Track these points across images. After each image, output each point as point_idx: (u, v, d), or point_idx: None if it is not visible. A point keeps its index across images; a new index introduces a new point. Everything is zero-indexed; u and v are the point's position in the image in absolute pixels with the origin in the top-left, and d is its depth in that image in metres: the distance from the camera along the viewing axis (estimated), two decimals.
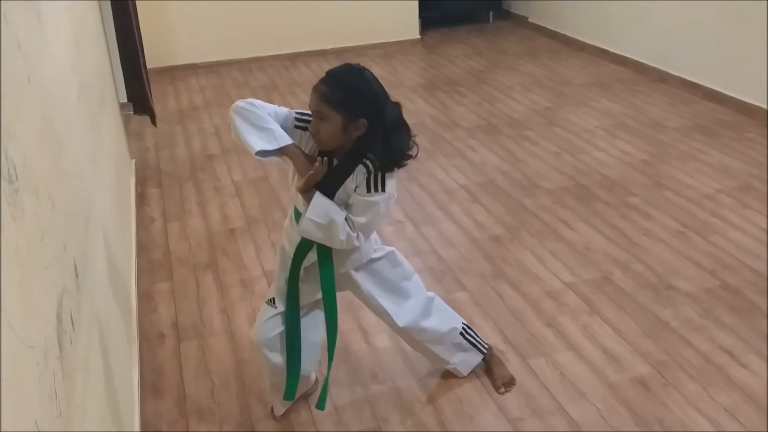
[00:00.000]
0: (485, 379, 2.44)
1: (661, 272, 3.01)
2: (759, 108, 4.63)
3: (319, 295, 2.11)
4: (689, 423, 2.22)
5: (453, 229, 3.45)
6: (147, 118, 4.63)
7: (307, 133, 1.96)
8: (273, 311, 2.14)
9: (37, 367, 1.11)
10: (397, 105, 1.92)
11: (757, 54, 4.61)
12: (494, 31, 7.30)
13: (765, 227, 3.33)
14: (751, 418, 2.23)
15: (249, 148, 1.85)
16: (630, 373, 2.45)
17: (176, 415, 2.36)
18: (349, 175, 1.91)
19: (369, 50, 6.75)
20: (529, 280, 3.00)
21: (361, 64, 1.98)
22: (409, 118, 1.94)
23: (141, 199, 3.90)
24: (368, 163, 1.89)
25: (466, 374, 2.43)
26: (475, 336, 2.41)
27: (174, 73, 6.30)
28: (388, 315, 2.21)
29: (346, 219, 1.91)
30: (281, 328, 2.14)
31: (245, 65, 6.47)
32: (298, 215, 1.98)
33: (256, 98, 1.98)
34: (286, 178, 4.12)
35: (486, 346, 2.44)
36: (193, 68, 6.42)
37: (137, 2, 4.56)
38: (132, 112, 4.61)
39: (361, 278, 2.14)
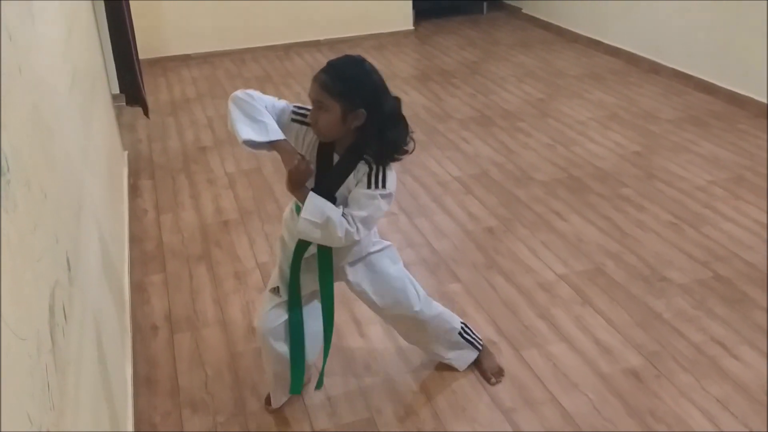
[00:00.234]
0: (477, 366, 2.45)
1: (654, 264, 3.02)
2: (750, 99, 4.64)
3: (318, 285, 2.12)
4: (681, 414, 2.23)
5: (446, 221, 3.45)
6: (139, 110, 4.61)
7: (305, 126, 1.96)
8: (277, 300, 2.14)
9: (30, 360, 1.11)
10: (397, 99, 1.92)
11: (749, 45, 4.62)
12: (488, 22, 7.29)
13: (757, 218, 3.34)
14: (743, 409, 2.24)
15: (237, 137, 1.87)
16: (622, 364, 2.46)
17: (170, 406, 2.36)
18: (350, 172, 1.92)
19: (363, 41, 6.73)
20: (522, 272, 3.00)
21: (359, 51, 1.99)
22: (403, 109, 1.93)
23: (133, 190, 3.88)
24: (369, 159, 1.90)
25: (462, 369, 2.44)
26: (471, 334, 2.41)
27: (166, 64, 6.26)
28: (383, 309, 2.21)
29: (343, 215, 1.90)
30: (286, 316, 2.14)
31: (238, 56, 6.45)
32: (299, 209, 1.97)
33: (250, 89, 1.97)
34: (280, 171, 4.10)
35: (481, 343, 2.45)
36: (185, 59, 6.39)
37: None
38: (124, 104, 4.59)
39: (359, 271, 2.13)
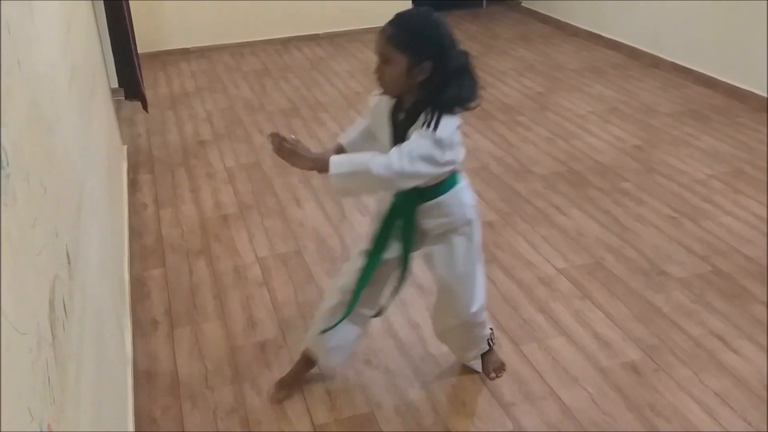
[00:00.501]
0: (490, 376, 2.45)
1: (653, 258, 3.02)
2: (750, 92, 4.63)
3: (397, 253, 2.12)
4: (680, 407, 2.24)
5: None
6: (138, 104, 4.60)
7: (385, 95, 1.96)
8: (360, 264, 2.16)
9: (30, 354, 1.11)
10: (466, 53, 1.89)
11: (749, 38, 4.61)
12: (487, 16, 7.27)
13: (757, 212, 3.34)
14: (741, 402, 2.25)
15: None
16: (621, 358, 2.46)
17: (170, 401, 2.36)
18: (411, 127, 1.88)
19: (361, 35, 6.71)
20: (522, 266, 3.01)
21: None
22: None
23: (133, 185, 3.88)
24: (430, 110, 1.87)
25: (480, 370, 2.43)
26: (492, 337, 2.42)
27: (165, 58, 6.25)
28: (440, 291, 2.20)
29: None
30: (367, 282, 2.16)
31: (237, 50, 6.43)
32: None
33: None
34: (280, 164, 4.08)
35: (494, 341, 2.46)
36: (184, 53, 6.37)
37: None
38: (123, 98, 4.58)
39: (439, 245, 2.10)
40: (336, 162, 1.84)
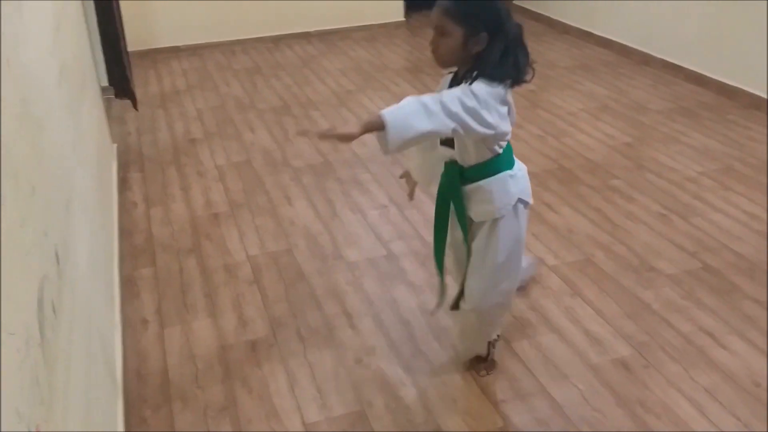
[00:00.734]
0: (468, 363, 2.46)
1: (643, 254, 3.03)
2: (740, 90, 4.66)
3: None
4: (670, 404, 2.25)
5: None
6: (128, 102, 4.58)
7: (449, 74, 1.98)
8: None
9: (18, 354, 1.11)
10: (519, 26, 1.90)
11: (739, 36, 4.63)
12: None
13: (746, 209, 3.36)
14: (731, 398, 2.26)
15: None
16: (612, 354, 2.47)
17: (160, 400, 2.36)
18: None
19: (353, 33, 6.71)
20: None
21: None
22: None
23: (123, 183, 3.87)
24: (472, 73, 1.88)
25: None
26: (494, 345, 2.44)
27: (155, 56, 6.23)
28: (470, 274, 2.20)
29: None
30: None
31: (228, 48, 6.42)
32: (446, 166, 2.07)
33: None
34: (271, 162, 4.08)
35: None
36: (174, 51, 6.35)
37: None
38: (113, 96, 4.56)
39: (483, 227, 2.10)
40: (388, 110, 1.80)
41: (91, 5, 4.23)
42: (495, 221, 2.07)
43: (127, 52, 4.46)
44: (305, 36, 6.69)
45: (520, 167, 2.08)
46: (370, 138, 1.84)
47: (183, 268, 3.07)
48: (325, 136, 1.79)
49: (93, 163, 2.97)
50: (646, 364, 2.42)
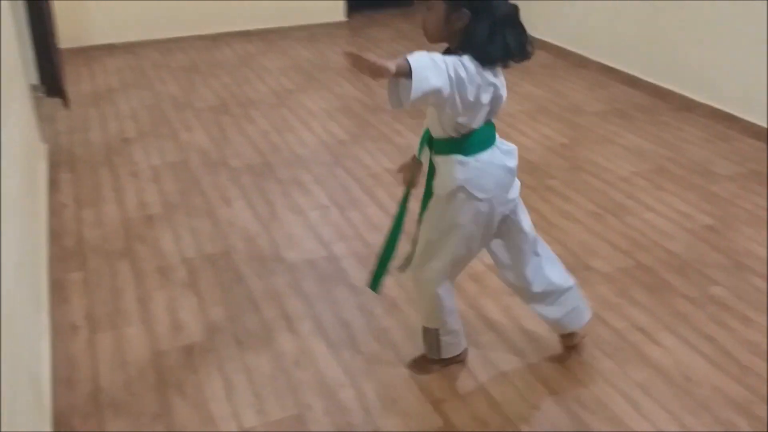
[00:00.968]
0: (408, 362, 2.45)
1: (579, 253, 3.08)
2: (672, 92, 4.79)
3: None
4: (605, 399, 2.28)
5: (379, 214, 3.44)
6: (60, 101, 4.44)
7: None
8: None
9: None
10: (511, 5, 1.91)
11: (672, 39, 4.76)
12: (419, 14, 7.29)
13: (678, 208, 3.45)
14: (663, 393, 2.31)
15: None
16: (549, 352, 2.50)
17: (91, 408, 2.28)
18: None
19: (294, 32, 6.65)
20: None
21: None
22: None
23: (53, 184, 3.73)
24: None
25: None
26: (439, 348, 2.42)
27: (89, 53, 6.05)
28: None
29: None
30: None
31: (165, 45, 6.28)
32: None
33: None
34: (208, 162, 4.02)
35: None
36: (109, 48, 6.18)
37: None
38: (44, 95, 4.41)
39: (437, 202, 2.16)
40: (412, 57, 1.79)
41: (20, 2, 4.07)
42: (439, 198, 2.13)
43: (58, 49, 4.31)
44: (245, 34, 6.60)
45: (485, 159, 2.06)
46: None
47: (115, 272, 2.98)
48: (361, 60, 1.74)
49: (21, 163, 2.85)
50: (581, 361, 2.45)
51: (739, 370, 2.40)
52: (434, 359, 2.41)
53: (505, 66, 1.98)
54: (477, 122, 2.00)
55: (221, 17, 6.55)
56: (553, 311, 2.35)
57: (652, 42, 4.95)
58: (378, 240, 3.20)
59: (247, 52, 6.09)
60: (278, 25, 6.74)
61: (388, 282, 2.90)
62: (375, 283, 2.36)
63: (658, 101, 4.84)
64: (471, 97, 1.88)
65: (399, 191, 3.62)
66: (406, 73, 1.77)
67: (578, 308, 2.37)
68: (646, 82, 5.00)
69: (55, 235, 3.25)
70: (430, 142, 2.13)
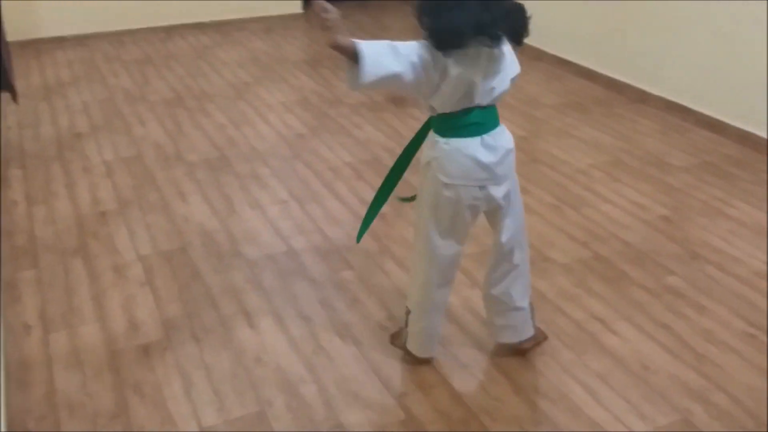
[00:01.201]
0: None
1: (538, 245, 3.10)
2: (627, 85, 4.86)
3: None
4: (564, 389, 2.31)
5: (338, 207, 3.42)
6: (8, 95, 4.30)
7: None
8: None
9: None
10: None
11: (626, 32, 4.83)
12: (377, 7, 7.28)
13: (634, 200, 3.50)
14: (621, 382, 2.34)
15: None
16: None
17: (45, 410, 2.22)
18: None
19: (250, 24, 6.57)
20: None
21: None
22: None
23: (3, 181, 3.63)
24: None
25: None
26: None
27: (39, 46, 5.89)
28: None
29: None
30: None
31: (117, 38, 6.14)
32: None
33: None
34: (163, 157, 3.95)
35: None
36: (59, 41, 6.02)
37: None
38: None
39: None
40: (362, 43, 1.85)
41: None
42: (421, 166, 2.17)
43: (5, 43, 4.18)
44: (199, 26, 6.50)
45: (454, 145, 2.05)
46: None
47: (68, 270, 2.91)
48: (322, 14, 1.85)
49: None
50: (541, 352, 2.47)
51: (695, 358, 2.45)
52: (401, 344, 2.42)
53: (490, 46, 1.90)
54: (448, 107, 1.99)
55: (175, 9, 6.43)
56: (494, 317, 2.39)
57: (607, 35, 5.02)
58: (338, 234, 3.19)
59: (203, 45, 6.00)
60: (234, 17, 6.65)
61: (350, 276, 2.89)
62: (363, 229, 2.38)
63: (613, 94, 4.91)
64: (432, 82, 1.91)
65: (359, 185, 3.62)
66: (351, 55, 1.80)
67: (515, 328, 2.38)
68: (602, 75, 5.07)
69: (5, 233, 3.16)
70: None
